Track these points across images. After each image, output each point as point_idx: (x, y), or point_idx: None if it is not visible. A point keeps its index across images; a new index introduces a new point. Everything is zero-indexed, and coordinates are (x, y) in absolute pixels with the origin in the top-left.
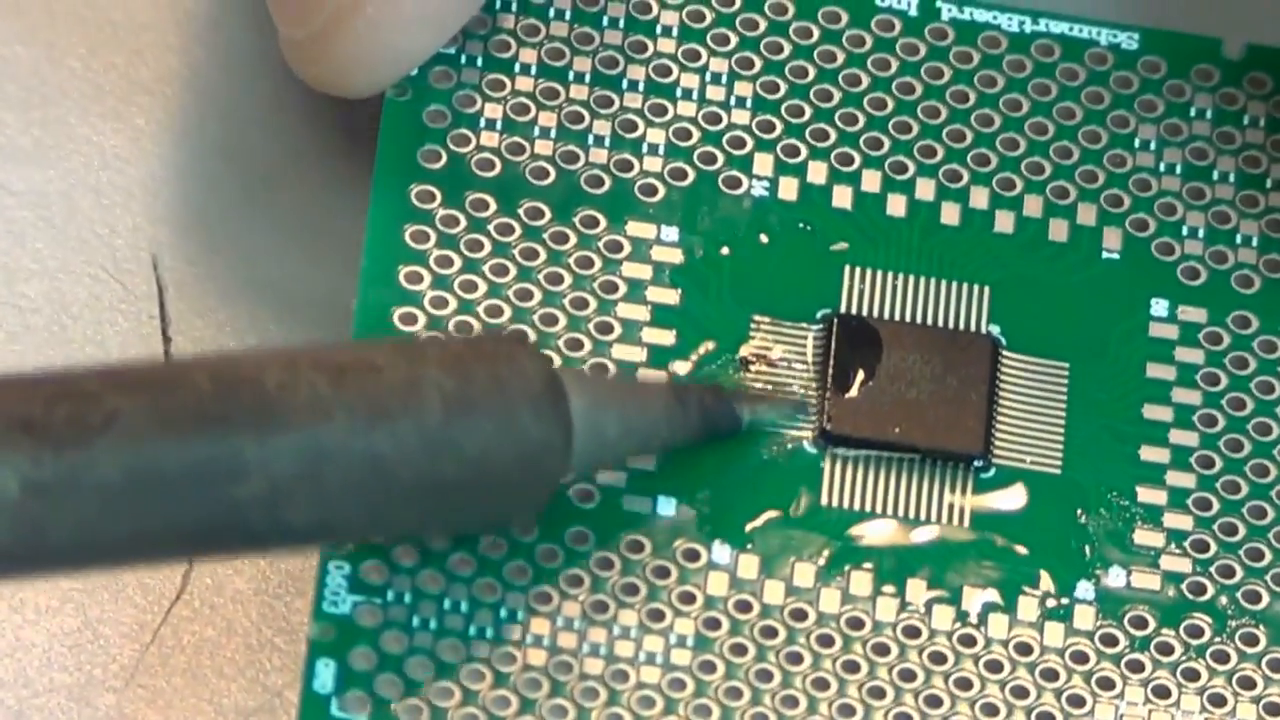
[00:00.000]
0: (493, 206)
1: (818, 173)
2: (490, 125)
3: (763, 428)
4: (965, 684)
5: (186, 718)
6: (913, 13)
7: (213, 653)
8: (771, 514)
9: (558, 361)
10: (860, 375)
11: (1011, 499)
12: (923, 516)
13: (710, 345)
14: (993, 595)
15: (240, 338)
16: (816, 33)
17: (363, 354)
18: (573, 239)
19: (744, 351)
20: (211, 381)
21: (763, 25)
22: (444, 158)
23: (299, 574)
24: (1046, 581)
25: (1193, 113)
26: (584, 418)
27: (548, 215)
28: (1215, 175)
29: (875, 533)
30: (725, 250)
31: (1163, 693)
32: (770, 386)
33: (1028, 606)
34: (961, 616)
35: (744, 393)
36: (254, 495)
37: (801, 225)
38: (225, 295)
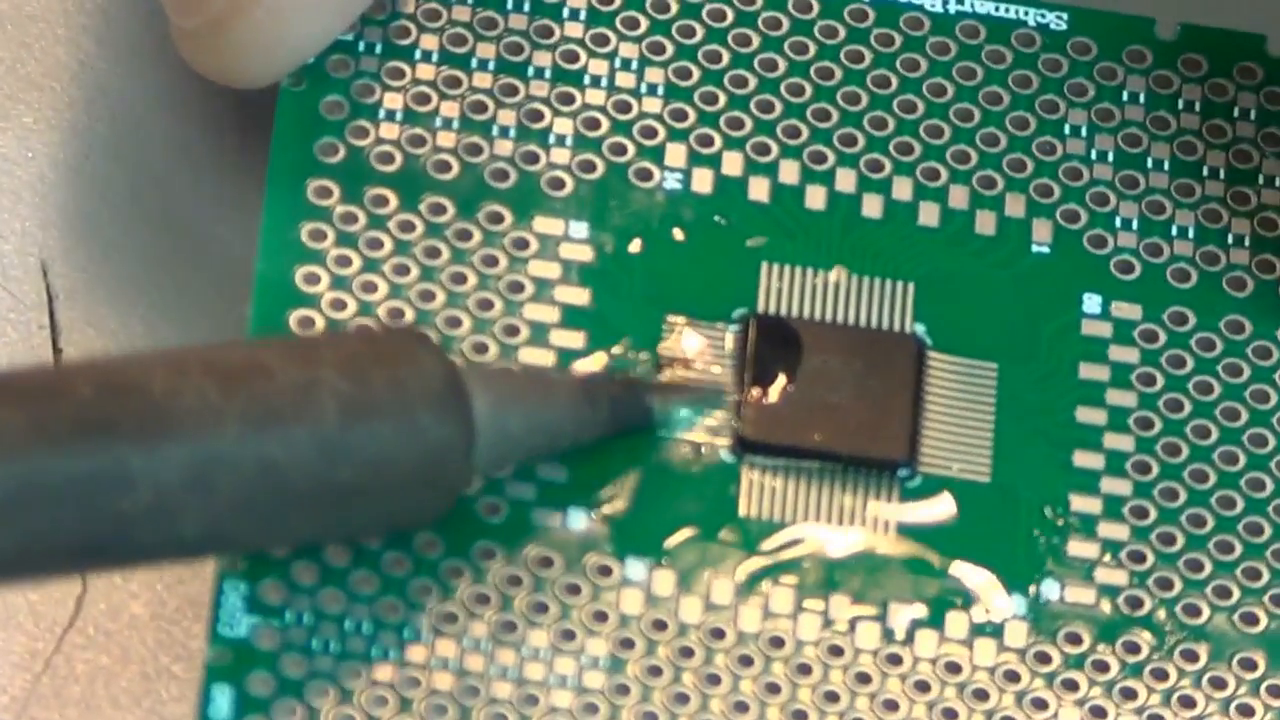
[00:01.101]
0: (393, 202)
1: (733, 164)
2: (390, 116)
3: (675, 419)
4: (892, 706)
5: None
6: None
7: (108, 682)
8: (687, 527)
9: (460, 360)
10: (780, 378)
11: (939, 509)
12: (846, 528)
13: (620, 344)
14: (920, 611)
15: (133, 346)
16: (731, 15)
17: (254, 356)
18: (477, 236)
19: (661, 350)
20: (95, 389)
21: (674, 8)
22: (342, 151)
23: (197, 598)
24: (976, 596)
25: (1125, 97)
26: (487, 416)
27: (451, 211)
28: (1149, 163)
29: (796, 546)
30: (637, 246)
31: (1099, 713)
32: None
33: (956, 623)
34: (887, 634)
35: (654, 383)
36: (142, 507)
37: (717, 219)
38: (117, 303)
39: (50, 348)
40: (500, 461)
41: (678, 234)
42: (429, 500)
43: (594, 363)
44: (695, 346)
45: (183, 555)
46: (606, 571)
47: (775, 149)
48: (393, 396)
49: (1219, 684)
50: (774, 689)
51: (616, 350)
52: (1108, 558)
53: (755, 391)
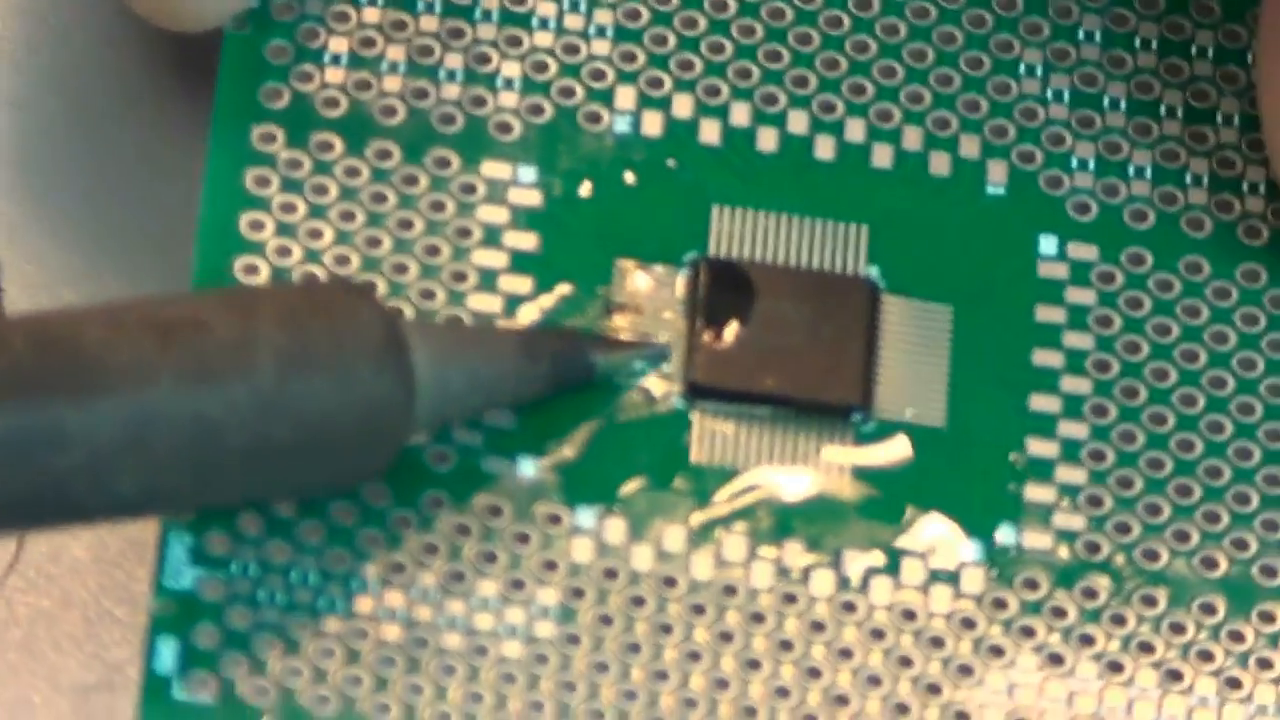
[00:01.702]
0: (338, 147)
1: (683, 106)
2: (335, 60)
3: (618, 375)
4: (846, 654)
5: (21, 695)
6: None
7: (49, 626)
8: (638, 474)
9: (408, 314)
10: (732, 323)
11: (893, 453)
12: (799, 474)
13: (569, 289)
14: (875, 558)
15: (76, 285)
16: None
17: (191, 309)
18: (424, 181)
19: (608, 295)
20: (27, 343)
21: None
22: (287, 96)
23: (140, 540)
24: (931, 542)
25: (1081, 35)
26: (428, 372)
27: (397, 156)
28: (1106, 102)
29: (749, 492)
30: (586, 191)
31: (1056, 660)
32: (635, 337)
33: (912, 569)
34: (842, 581)
35: (597, 339)
36: (76, 464)
37: (667, 162)
38: (60, 240)
39: None
40: (440, 417)
41: (627, 177)
42: (368, 457)
43: (541, 308)
44: (646, 290)
45: (120, 514)
46: (556, 520)
47: (726, 91)
48: (332, 351)
49: (1178, 629)
50: (727, 637)
51: (565, 293)
52: (1065, 502)
53: (706, 336)
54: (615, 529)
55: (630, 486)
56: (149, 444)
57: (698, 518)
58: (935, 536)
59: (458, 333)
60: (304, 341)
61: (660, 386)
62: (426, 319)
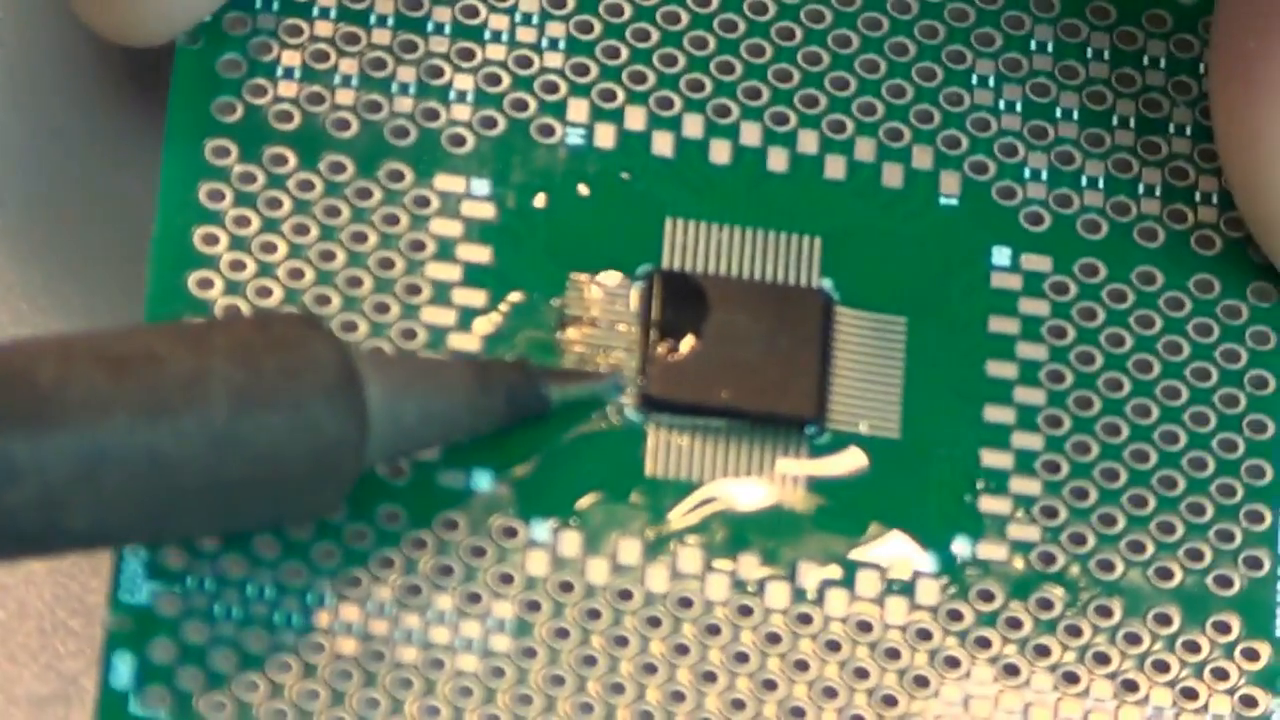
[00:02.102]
0: (292, 161)
1: (636, 118)
2: (288, 74)
3: (573, 406)
4: (802, 665)
5: None
6: None
7: (4, 637)
8: (593, 486)
9: (362, 328)
10: (686, 335)
11: (848, 465)
12: (754, 486)
13: (523, 301)
14: (830, 570)
15: (32, 300)
16: None
17: (144, 343)
18: (377, 194)
19: (562, 307)
20: None
21: None
22: (239, 110)
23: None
24: (887, 554)
25: (1033, 46)
26: (381, 406)
27: (350, 169)
28: (1058, 113)
29: (704, 505)
30: (539, 203)
31: (1012, 671)
32: (589, 349)
33: (867, 581)
34: (797, 593)
35: (552, 370)
36: (27, 499)
37: (620, 175)
38: (13, 255)
39: None
40: (394, 451)
41: (581, 190)
42: (320, 493)
43: (495, 321)
44: (599, 302)
45: (71, 547)
46: (512, 533)
47: (679, 103)
48: (286, 387)
49: (1134, 640)
50: (683, 650)
51: (519, 305)
52: (1020, 513)
53: (660, 349)
54: (570, 542)
55: (585, 499)
56: (101, 478)
57: (652, 531)
58: (890, 548)
59: (412, 366)
60: (258, 376)
61: (616, 399)
62: (380, 339)
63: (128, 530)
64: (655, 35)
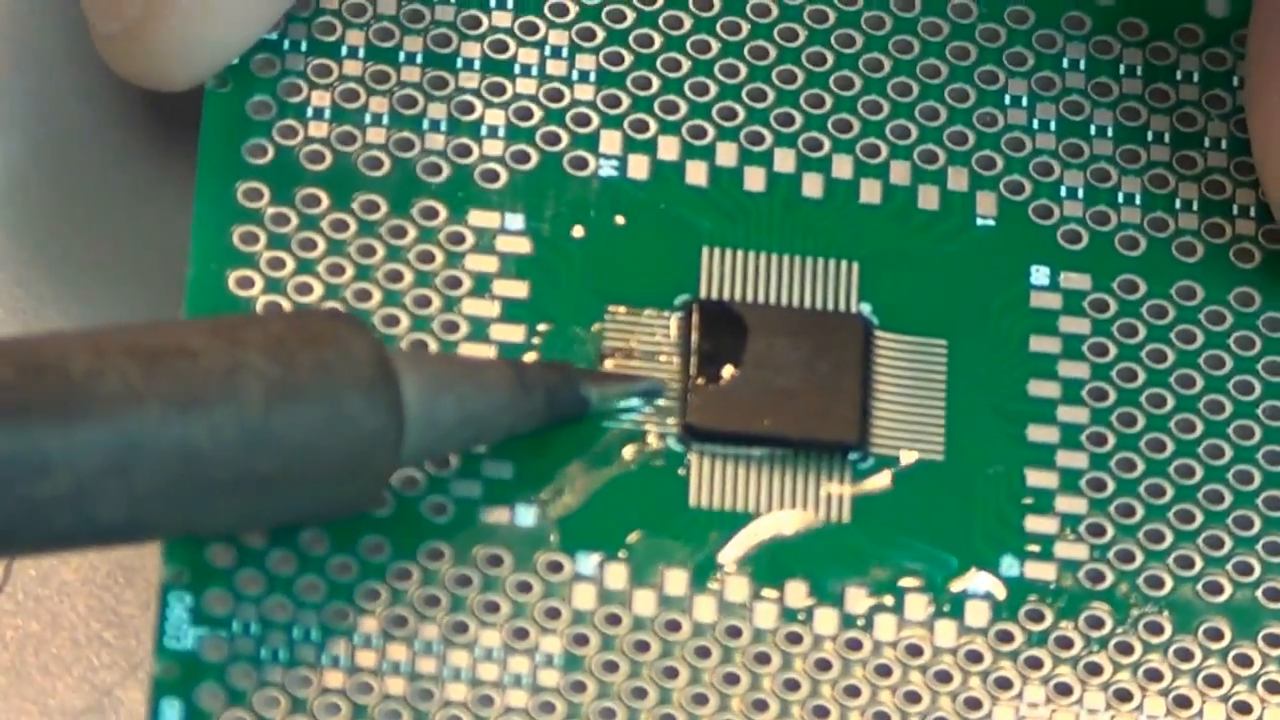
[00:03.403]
0: (325, 201)
1: (669, 148)
2: (318, 114)
3: (611, 411)
4: (854, 691)
5: (10, 719)
6: None
7: (38, 649)
8: (637, 518)
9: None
10: (726, 364)
11: (893, 490)
12: (799, 513)
13: (561, 336)
14: (878, 595)
15: (65, 309)
16: None
17: (178, 337)
18: (412, 232)
19: (601, 340)
20: (12, 370)
21: None
22: (270, 151)
23: (129, 564)
24: (934, 577)
25: (1065, 64)
26: (417, 404)
27: (384, 208)
28: (1093, 130)
29: (749, 534)
30: (575, 236)
31: (1064, 690)
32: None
33: (915, 605)
34: (846, 619)
35: (591, 372)
36: (58, 493)
37: (655, 205)
38: (42, 308)
39: None
40: (430, 451)
41: (616, 222)
42: (354, 489)
43: (534, 356)
44: (638, 334)
45: (101, 542)
46: (557, 568)
47: (712, 131)
48: (320, 381)
49: (1185, 655)
50: (733, 679)
51: (556, 336)
52: (1067, 532)
53: (701, 378)
54: (617, 574)
55: (629, 531)
56: (133, 472)
57: (698, 560)
58: (938, 571)
59: (449, 364)
60: (292, 371)
61: (658, 430)
62: (418, 349)
63: (160, 524)
64: (686, 64)
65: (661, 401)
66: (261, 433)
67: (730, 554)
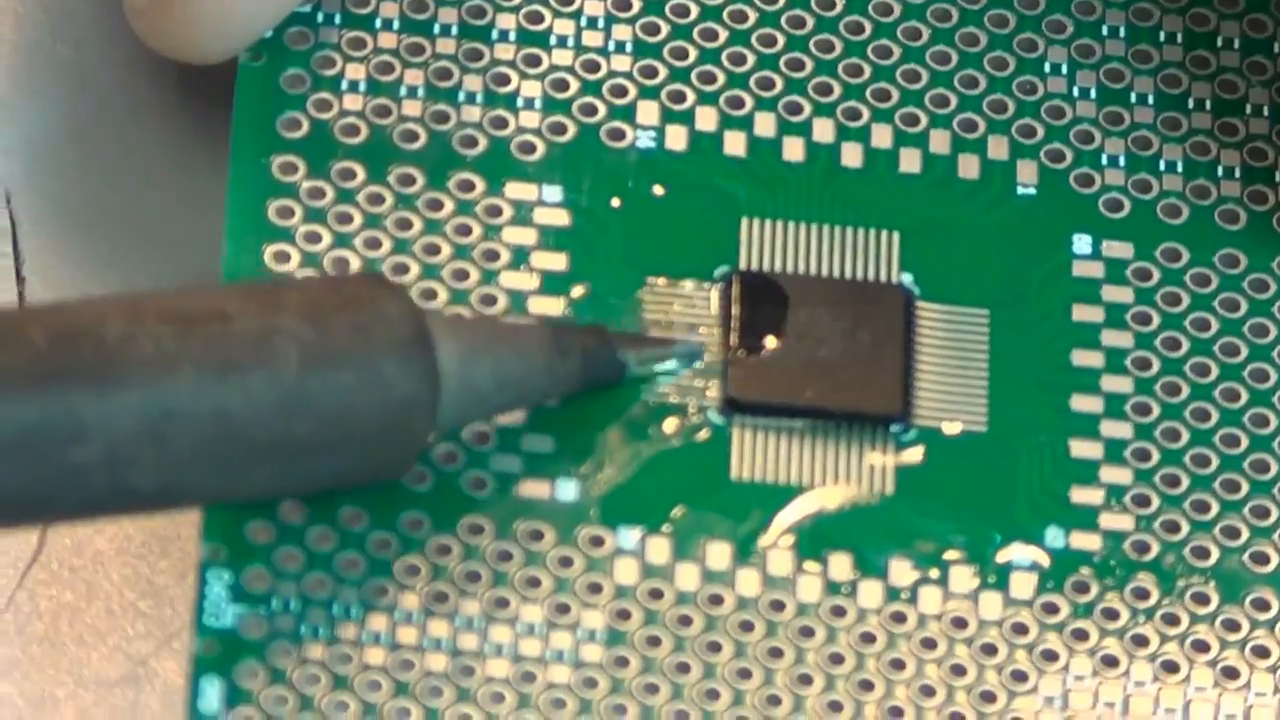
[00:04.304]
0: (360, 175)
1: (707, 119)
2: (353, 87)
3: (650, 374)
4: (899, 665)
5: (44, 689)
6: None
7: (72, 619)
8: (678, 492)
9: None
10: (767, 336)
11: (936, 461)
12: (842, 485)
13: (600, 308)
14: (922, 567)
15: (101, 277)
16: None
17: (212, 301)
18: (449, 205)
19: (641, 312)
20: (46, 335)
21: None
22: (305, 125)
23: (163, 533)
24: (979, 549)
25: (1105, 31)
26: (454, 368)
27: (420, 181)
28: (1133, 98)
29: (792, 507)
30: (612, 208)
31: (1111, 662)
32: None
33: (960, 578)
34: (891, 592)
35: (628, 335)
36: (93, 458)
37: (693, 176)
38: (75, 279)
39: (14, 276)
40: (466, 415)
41: (654, 193)
42: (391, 454)
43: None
44: (678, 306)
45: (136, 508)
46: (599, 542)
47: (750, 102)
48: (356, 346)
49: (1232, 626)
50: (777, 653)
51: (595, 308)
52: (1112, 503)
53: (742, 350)
54: (659, 549)
55: (671, 505)
56: (168, 437)
57: (741, 534)
58: (982, 543)
59: (486, 328)
60: (328, 335)
61: (699, 402)
62: (445, 312)
63: (196, 490)
64: (723, 34)
65: (702, 373)
66: (296, 397)
67: (766, 512)
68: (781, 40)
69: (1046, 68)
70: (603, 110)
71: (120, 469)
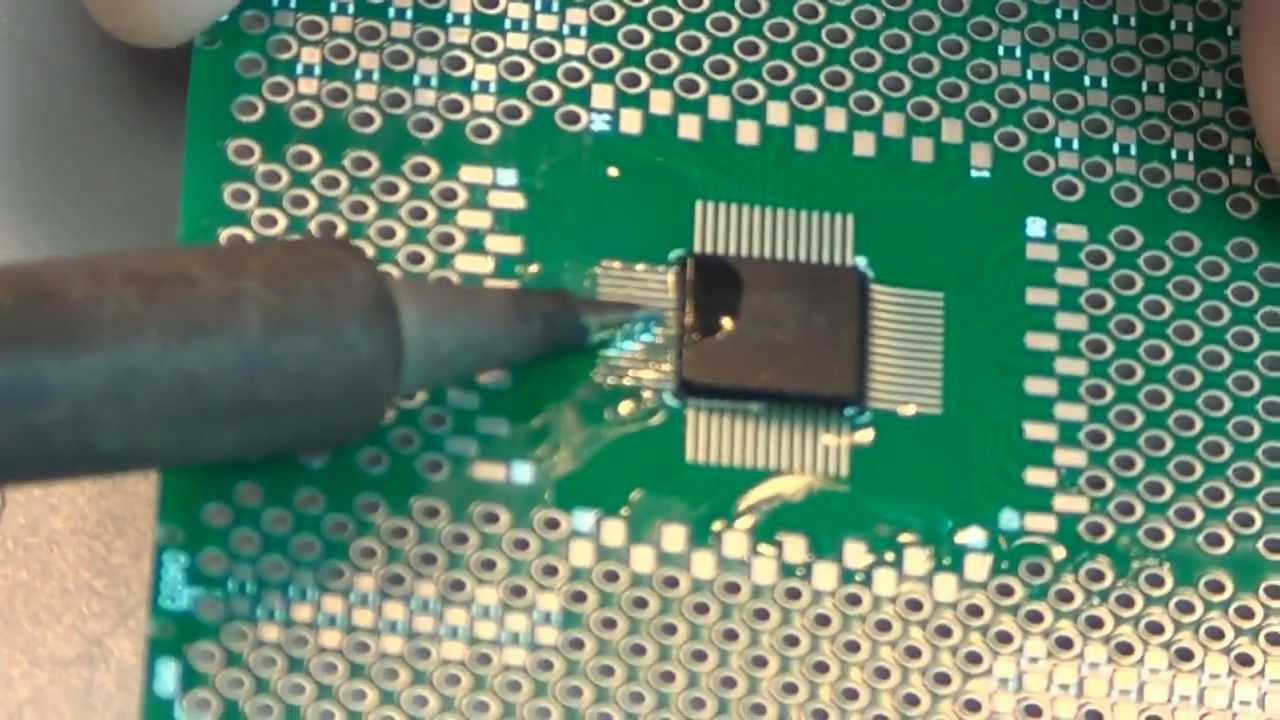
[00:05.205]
0: (316, 159)
1: (661, 103)
2: (308, 71)
3: (611, 339)
4: (853, 647)
5: None
6: None
7: (27, 597)
8: (633, 474)
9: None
10: (722, 319)
11: (890, 443)
12: (797, 468)
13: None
14: (877, 550)
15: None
16: None
17: (177, 264)
18: (404, 189)
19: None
20: (10, 294)
21: None
22: (260, 108)
23: (119, 511)
24: (933, 531)
25: (1059, 14)
26: (416, 331)
27: (375, 165)
28: (1087, 81)
29: (747, 489)
30: (567, 192)
31: (1065, 644)
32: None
33: (915, 560)
34: (845, 575)
35: (590, 301)
36: (58, 419)
37: (648, 160)
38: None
39: None
40: (429, 379)
41: (608, 176)
42: (354, 417)
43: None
44: (632, 289)
45: (100, 469)
46: (554, 525)
47: (704, 85)
48: (320, 309)
49: (1186, 608)
50: (732, 635)
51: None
52: (1066, 485)
53: (697, 333)
54: (614, 531)
55: (627, 488)
56: (132, 399)
57: (695, 516)
58: (936, 525)
59: (448, 292)
60: (291, 298)
61: (654, 386)
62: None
63: (159, 452)
64: (677, 18)
65: (657, 355)
66: (261, 360)
67: (721, 495)
68: (735, 24)
69: (1000, 51)
70: (557, 94)
71: (85, 430)
